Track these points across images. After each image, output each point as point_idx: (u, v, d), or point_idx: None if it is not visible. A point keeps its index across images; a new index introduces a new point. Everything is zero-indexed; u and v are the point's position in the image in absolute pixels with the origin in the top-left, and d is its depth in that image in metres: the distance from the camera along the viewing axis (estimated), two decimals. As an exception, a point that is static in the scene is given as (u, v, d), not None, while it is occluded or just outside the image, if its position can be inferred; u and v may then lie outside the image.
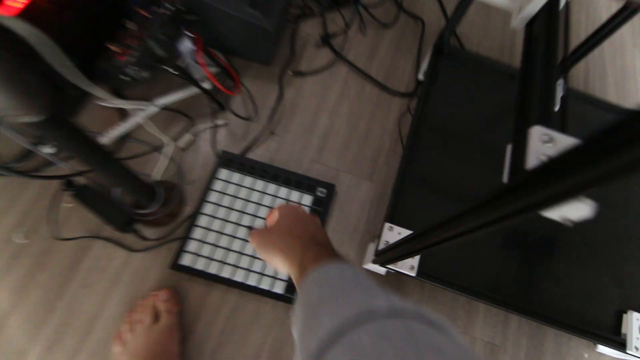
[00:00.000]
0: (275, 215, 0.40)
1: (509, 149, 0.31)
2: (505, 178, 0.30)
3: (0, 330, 0.54)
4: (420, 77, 0.71)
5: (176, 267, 0.57)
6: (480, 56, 0.68)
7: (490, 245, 0.55)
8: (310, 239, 0.34)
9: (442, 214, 0.54)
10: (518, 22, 0.43)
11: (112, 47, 0.61)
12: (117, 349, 0.52)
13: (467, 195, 0.57)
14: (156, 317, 0.53)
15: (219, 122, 0.68)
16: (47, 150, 0.65)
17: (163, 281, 0.57)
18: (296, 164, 0.66)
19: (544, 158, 0.26)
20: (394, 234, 0.52)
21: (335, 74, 0.74)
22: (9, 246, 0.58)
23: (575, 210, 0.21)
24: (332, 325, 0.21)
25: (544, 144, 0.26)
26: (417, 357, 0.17)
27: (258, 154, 0.66)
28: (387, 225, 0.53)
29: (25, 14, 0.37)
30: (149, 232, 0.60)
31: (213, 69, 0.71)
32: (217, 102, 0.67)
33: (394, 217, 0.54)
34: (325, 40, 0.76)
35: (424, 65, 0.69)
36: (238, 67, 0.72)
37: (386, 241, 0.52)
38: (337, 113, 0.70)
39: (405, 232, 0.52)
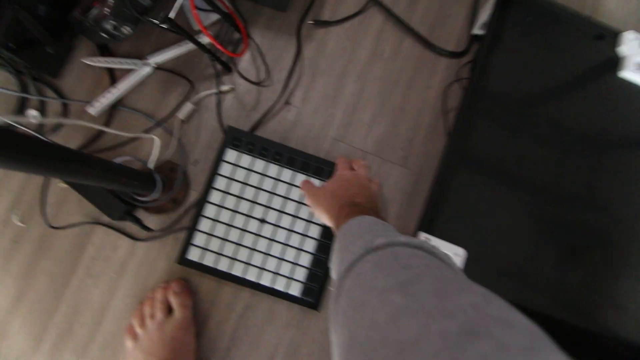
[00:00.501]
0: (336, 168, 0.51)
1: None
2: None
3: (14, 315, 0.53)
4: (476, 31, 0.56)
5: (184, 261, 0.52)
6: (563, 8, 0.51)
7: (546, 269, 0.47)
8: (348, 200, 0.42)
9: (501, 228, 0.44)
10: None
11: (86, -6, 0.48)
12: (129, 344, 0.50)
13: (539, 202, 0.45)
14: (169, 310, 0.51)
15: (224, 87, 0.56)
16: (32, 115, 0.57)
17: (172, 272, 0.53)
18: (315, 142, 0.56)
19: None
20: (429, 245, 0.44)
21: (366, 23, 0.58)
22: (10, 229, 0.54)
23: None
24: (347, 262, 0.29)
25: None
26: (394, 273, 0.24)
27: (270, 129, 0.56)
28: (422, 236, 0.44)
29: None
30: (152, 220, 0.54)
31: (213, 17, 0.57)
32: (221, 62, 0.55)
33: (432, 226, 0.45)
34: (356, -27, 0.59)
35: (484, 16, 0.53)
36: (246, 13, 0.58)
37: (419, 252, 0.44)
38: (367, 77, 0.57)
39: (445, 246, 0.44)
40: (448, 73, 0.57)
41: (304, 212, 0.53)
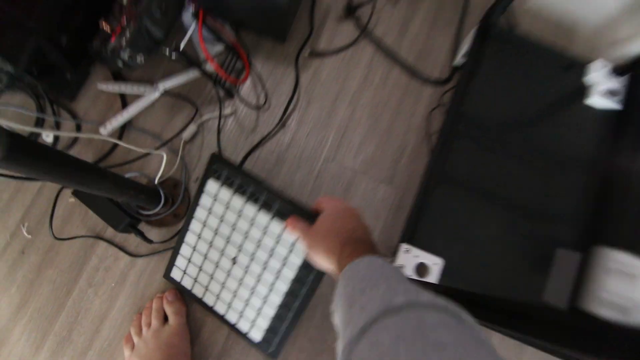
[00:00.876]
0: (321, 206, 0.44)
1: (565, 259, 0.24)
2: (549, 296, 0.23)
3: (16, 323, 0.55)
4: (458, 61, 0.61)
5: (168, 278, 0.55)
6: (536, 44, 0.56)
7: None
8: (348, 235, 0.38)
9: (475, 240, 0.47)
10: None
11: (104, 26, 0.54)
12: (127, 353, 0.52)
13: (510, 217, 0.49)
14: (165, 319, 0.53)
15: (226, 111, 0.61)
16: (46, 137, 0.62)
17: (169, 284, 0.56)
18: (308, 162, 0.60)
19: (622, 302, 0.19)
20: (409, 257, 0.47)
21: (358, 54, 0.64)
22: (18, 241, 0.57)
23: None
24: (360, 323, 0.24)
25: (622, 280, 0.19)
26: (423, 352, 0.20)
27: (267, 150, 0.60)
28: (404, 246, 0.47)
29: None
30: (154, 233, 0.57)
31: (218, 48, 0.63)
32: (225, 89, 0.60)
33: (413, 237, 0.48)
34: (350, 9, 0.65)
35: (464, 49, 0.58)
36: (248, 44, 0.63)
37: (401, 264, 0.47)
38: (358, 103, 0.62)
39: (425, 256, 0.47)
40: (432, 99, 0.62)
41: (274, 262, 0.51)
